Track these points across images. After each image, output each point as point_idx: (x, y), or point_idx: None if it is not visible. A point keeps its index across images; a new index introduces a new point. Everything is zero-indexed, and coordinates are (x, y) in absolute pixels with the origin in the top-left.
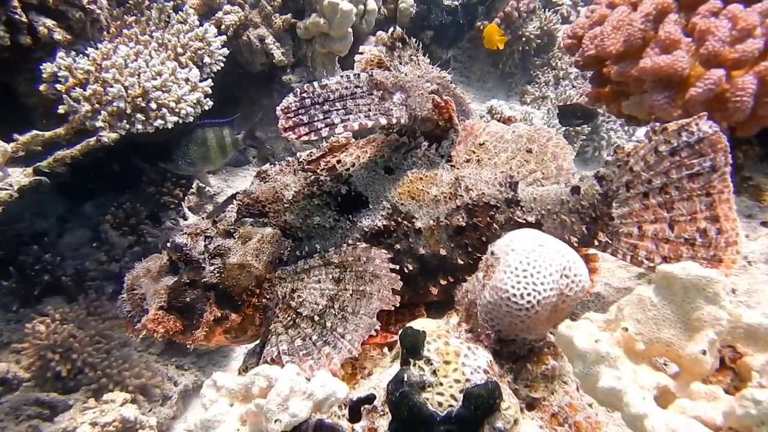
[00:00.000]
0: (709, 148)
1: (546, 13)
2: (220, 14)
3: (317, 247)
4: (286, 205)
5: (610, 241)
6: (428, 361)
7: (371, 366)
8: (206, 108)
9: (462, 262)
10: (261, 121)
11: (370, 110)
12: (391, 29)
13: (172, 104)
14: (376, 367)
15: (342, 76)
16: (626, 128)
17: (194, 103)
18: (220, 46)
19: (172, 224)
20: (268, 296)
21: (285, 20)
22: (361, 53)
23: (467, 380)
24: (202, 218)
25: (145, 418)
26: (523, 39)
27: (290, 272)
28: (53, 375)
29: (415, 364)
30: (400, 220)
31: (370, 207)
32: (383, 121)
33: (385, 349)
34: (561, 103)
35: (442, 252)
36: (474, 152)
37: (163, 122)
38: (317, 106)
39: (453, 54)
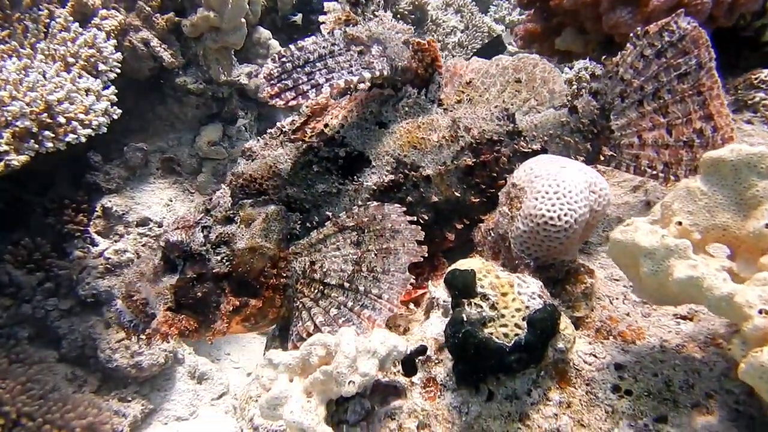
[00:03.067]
0: (691, 44)
1: None
2: (96, 20)
3: (327, 214)
4: (285, 179)
5: (614, 155)
6: (484, 297)
7: (405, 323)
8: (115, 117)
9: (476, 201)
10: (159, 130)
11: (351, 66)
12: None
13: (81, 116)
14: (411, 323)
15: (317, 36)
16: None
17: (103, 113)
18: (113, 51)
19: (82, 252)
20: (285, 274)
21: (168, 20)
22: (326, 13)
23: (527, 307)
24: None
25: None
26: (398, 15)
27: (305, 245)
28: None
29: (470, 304)
30: (407, 171)
31: (373, 164)
32: (367, 75)
33: (411, 305)
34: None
35: (456, 194)
36: (463, 92)
37: (75, 136)
38: (299, 69)
39: None
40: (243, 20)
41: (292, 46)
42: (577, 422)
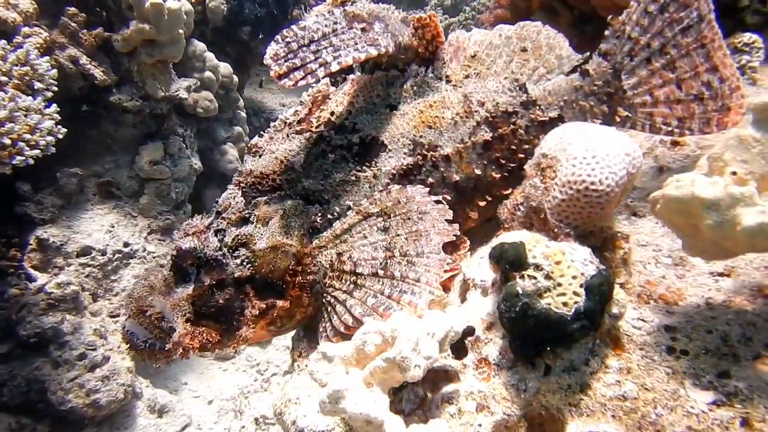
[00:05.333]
0: None
1: None
2: (18, 38)
3: (348, 203)
4: (299, 171)
5: (629, 115)
6: (538, 267)
7: (440, 308)
8: (60, 136)
9: (498, 177)
10: (94, 153)
11: (356, 43)
12: None
13: (27, 136)
14: (447, 307)
15: (317, 15)
16: None
17: (48, 132)
18: (48, 68)
19: (19, 290)
20: (312, 270)
21: (97, 35)
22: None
23: (582, 274)
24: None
25: None
26: None
27: (329, 238)
28: None
29: (522, 276)
30: (425, 152)
31: (390, 148)
32: (373, 52)
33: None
34: None
35: (477, 172)
36: (469, 66)
37: (23, 158)
38: (304, 48)
39: None
40: (181, 31)
41: (294, 27)
42: (641, 386)
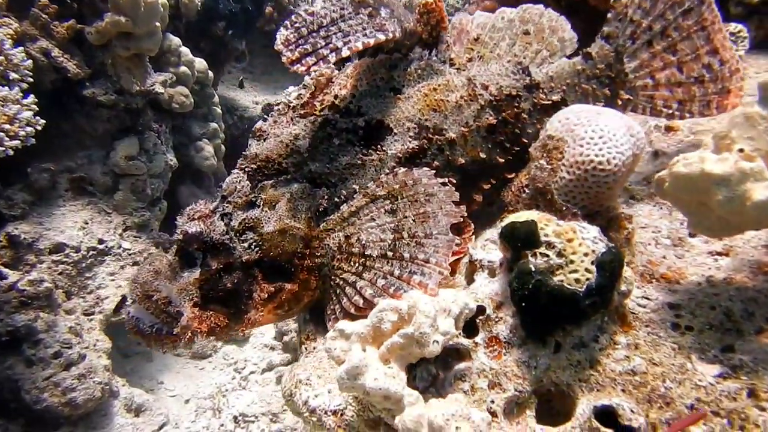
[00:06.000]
0: None
1: None
2: None
3: (355, 187)
4: (305, 155)
5: (630, 98)
6: (549, 245)
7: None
8: (38, 127)
9: (502, 160)
10: (66, 148)
11: (365, 29)
12: None
13: (6, 126)
14: (455, 288)
15: (324, 0)
16: None
17: (27, 123)
18: (24, 59)
19: None
20: (320, 253)
21: (70, 27)
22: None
23: (593, 251)
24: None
25: None
26: None
27: (337, 220)
28: None
29: (534, 254)
30: (430, 135)
31: (395, 131)
32: (382, 37)
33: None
34: None
35: (482, 155)
36: (472, 49)
37: (2, 149)
38: (314, 34)
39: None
40: (157, 24)
41: (301, 12)
42: (649, 361)
